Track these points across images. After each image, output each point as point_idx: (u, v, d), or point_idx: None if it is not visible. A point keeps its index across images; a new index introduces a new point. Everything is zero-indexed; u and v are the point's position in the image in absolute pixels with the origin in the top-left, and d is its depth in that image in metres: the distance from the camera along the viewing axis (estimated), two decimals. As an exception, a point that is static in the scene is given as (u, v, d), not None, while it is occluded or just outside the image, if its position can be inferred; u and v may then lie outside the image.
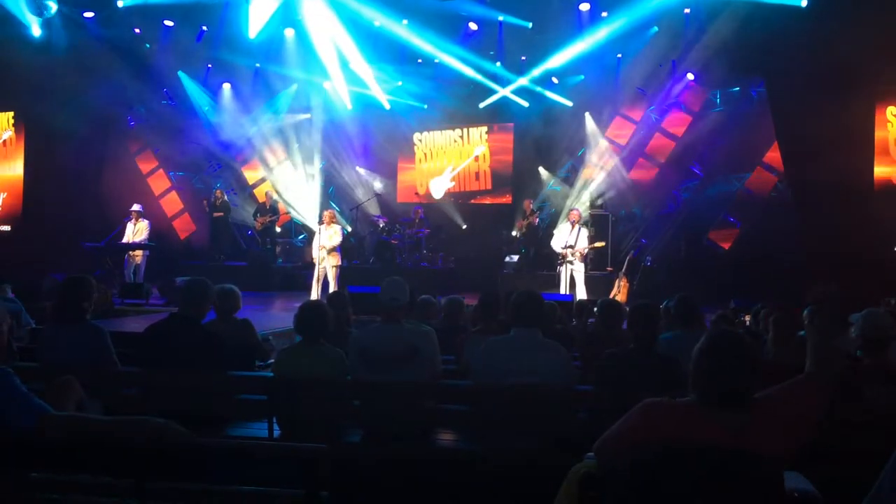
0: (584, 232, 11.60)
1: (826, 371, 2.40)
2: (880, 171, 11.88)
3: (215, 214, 14.77)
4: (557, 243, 11.65)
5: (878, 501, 2.19)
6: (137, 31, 14.32)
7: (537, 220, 14.35)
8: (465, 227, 16.25)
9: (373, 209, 16.16)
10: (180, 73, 15.84)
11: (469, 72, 14.98)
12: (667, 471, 2.26)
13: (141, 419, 2.61)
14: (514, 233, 14.99)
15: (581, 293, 11.24)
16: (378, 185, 16.79)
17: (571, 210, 12.23)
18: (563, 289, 11.33)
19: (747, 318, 7.43)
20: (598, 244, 12.00)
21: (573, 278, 11.44)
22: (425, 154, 17.10)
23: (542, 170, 15.94)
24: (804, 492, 2.34)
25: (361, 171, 16.86)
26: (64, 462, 2.62)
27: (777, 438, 2.27)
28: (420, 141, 17.08)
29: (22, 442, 2.55)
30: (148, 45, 14.76)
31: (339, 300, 5.53)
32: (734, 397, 2.33)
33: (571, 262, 11.40)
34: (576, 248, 11.37)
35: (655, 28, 13.54)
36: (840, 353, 3.57)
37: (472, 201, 16.67)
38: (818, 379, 2.38)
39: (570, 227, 11.66)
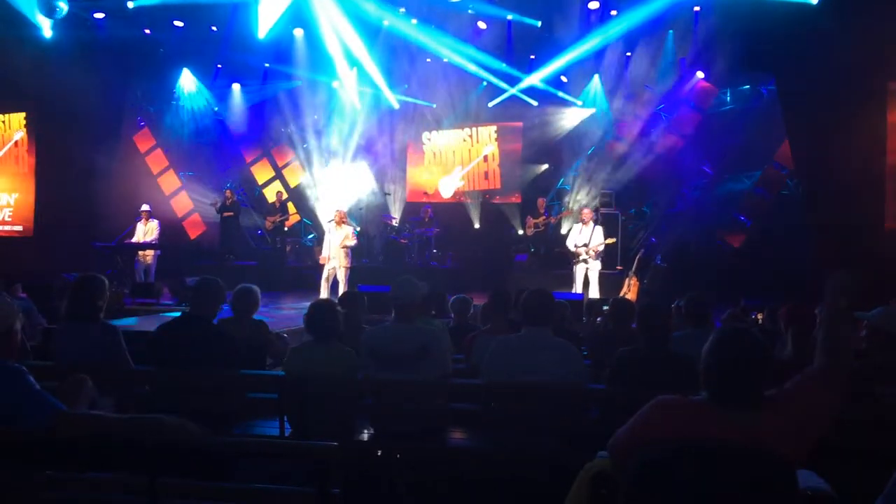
0: (599, 230, 11.59)
1: (839, 364, 2.39)
2: (892, 168, 11.80)
3: (226, 214, 14.81)
4: (571, 242, 11.66)
5: (891, 500, 2.18)
6: (147, 31, 14.38)
7: (554, 220, 14.36)
8: (477, 226, 16.24)
9: (382, 208, 16.18)
10: (185, 71, 15.93)
11: (478, 71, 14.99)
12: (678, 469, 2.25)
13: (154, 418, 2.62)
14: (522, 231, 14.96)
15: (595, 292, 11.23)
16: (387, 184, 16.80)
17: (584, 209, 12.20)
18: (578, 287, 11.33)
19: (760, 316, 7.40)
20: (608, 240, 11.97)
21: (588, 277, 11.43)
22: (434, 153, 17.10)
23: (545, 167, 15.93)
24: (817, 490, 2.33)
25: (370, 170, 16.87)
26: (77, 460, 2.63)
27: (790, 436, 2.26)
28: (429, 140, 17.08)
29: (35, 440, 2.57)
30: (162, 50, 14.83)
31: (353, 300, 5.52)
32: (745, 395, 2.32)
33: (586, 261, 11.40)
34: (590, 247, 11.38)
35: (671, 32, 13.54)
36: (850, 346, 3.55)
37: (482, 200, 16.64)
38: (832, 372, 2.37)
39: (582, 225, 11.65)
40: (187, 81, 16.34)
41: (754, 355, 2.34)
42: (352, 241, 11.79)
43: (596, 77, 15.17)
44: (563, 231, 14.62)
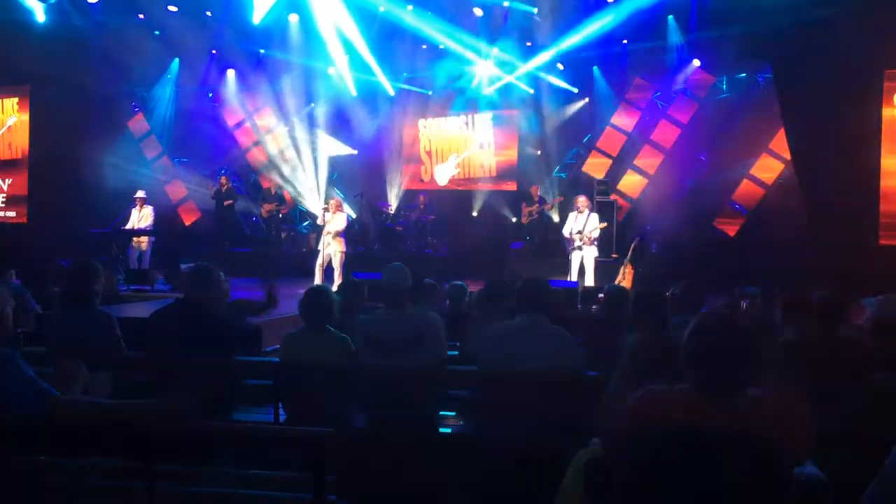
0: (594, 217, 11.59)
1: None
2: (887, 157, 11.82)
3: (226, 202, 14.75)
4: (567, 230, 11.69)
5: (884, 486, 2.19)
6: (141, 16, 14.30)
7: (548, 207, 14.36)
8: (475, 213, 16.20)
9: (378, 196, 16.14)
10: (176, 62, 15.86)
11: (474, 58, 14.93)
12: (667, 456, 2.26)
13: (147, 403, 2.62)
14: (517, 219, 14.94)
15: (590, 280, 11.25)
16: (383, 171, 16.75)
17: (578, 197, 12.20)
18: (574, 275, 11.35)
19: (745, 304, 7.40)
20: (599, 225, 11.96)
21: (583, 265, 11.45)
22: (430, 140, 17.06)
23: (540, 154, 15.92)
24: (810, 475, 2.34)
25: (362, 156, 16.82)
26: (70, 445, 2.63)
27: (775, 425, 2.26)
28: (425, 128, 17.03)
29: (28, 425, 2.56)
30: (156, 33, 14.75)
31: (353, 288, 5.52)
32: (727, 381, 2.31)
33: (580, 248, 11.42)
34: (584, 233, 11.40)
35: (671, 18, 13.52)
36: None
37: (477, 188, 16.61)
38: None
39: (577, 213, 11.66)
40: (182, 67, 16.24)
41: (735, 341, 2.32)
42: (339, 226, 11.75)
43: (592, 64, 15.12)
44: (556, 219, 14.65)
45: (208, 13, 14.35)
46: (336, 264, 11.70)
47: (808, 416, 2.30)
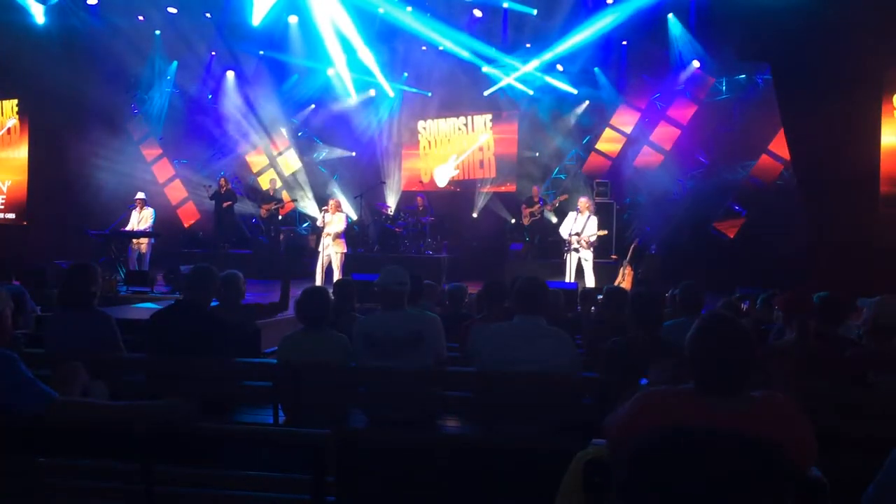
0: (594, 220, 11.59)
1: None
2: (887, 158, 11.82)
3: (225, 204, 14.74)
4: (565, 231, 11.68)
5: (883, 487, 2.19)
6: (141, 18, 14.30)
7: (549, 208, 14.36)
8: (474, 215, 16.20)
9: (377, 197, 16.16)
10: (181, 58, 15.85)
11: (473, 59, 14.94)
12: (668, 456, 2.25)
13: (147, 404, 2.62)
14: (516, 220, 14.94)
15: (589, 281, 11.24)
16: (382, 172, 16.77)
17: (581, 198, 12.20)
18: (570, 276, 11.34)
19: (745, 306, 7.41)
20: (600, 232, 11.98)
21: (581, 266, 11.45)
22: (429, 142, 17.07)
23: (537, 155, 15.94)
24: (809, 476, 2.34)
25: (361, 157, 16.83)
26: (70, 447, 2.62)
27: (777, 426, 2.26)
28: (424, 129, 17.04)
29: (28, 427, 2.56)
30: (157, 34, 14.77)
31: (345, 287, 5.52)
32: (729, 381, 2.32)
33: (577, 250, 11.42)
34: (581, 236, 11.39)
35: (671, 17, 13.53)
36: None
37: (477, 189, 16.61)
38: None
39: (578, 214, 11.66)
40: (181, 69, 16.25)
41: (736, 341, 2.33)
42: (338, 227, 11.75)
43: (592, 65, 15.13)
44: (555, 220, 14.64)
45: (208, 15, 14.37)
46: (336, 265, 11.69)
47: (808, 423, 2.31)
